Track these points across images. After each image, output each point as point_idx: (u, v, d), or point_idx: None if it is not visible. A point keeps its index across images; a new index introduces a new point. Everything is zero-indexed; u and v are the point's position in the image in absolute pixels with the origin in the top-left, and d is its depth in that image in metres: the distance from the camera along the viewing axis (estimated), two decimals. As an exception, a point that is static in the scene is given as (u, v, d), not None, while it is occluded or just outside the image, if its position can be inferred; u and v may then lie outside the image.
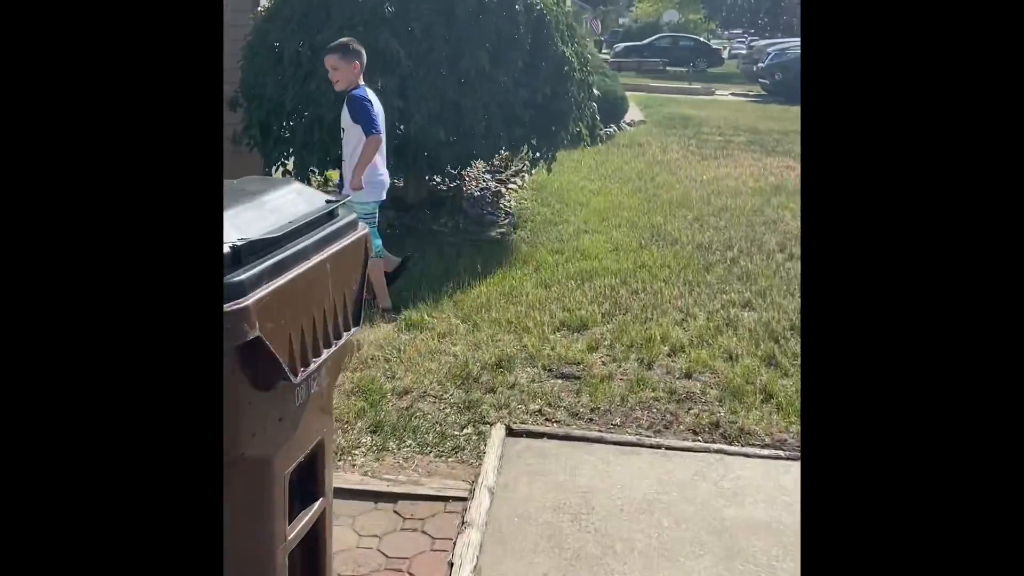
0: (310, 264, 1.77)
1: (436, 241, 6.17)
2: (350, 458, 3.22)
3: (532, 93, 6.02)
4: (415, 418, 3.51)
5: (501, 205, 7.27)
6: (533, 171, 8.00)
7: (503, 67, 5.84)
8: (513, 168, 8.59)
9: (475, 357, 4.10)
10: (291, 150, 6.08)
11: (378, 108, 4.56)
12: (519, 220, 6.91)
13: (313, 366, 1.80)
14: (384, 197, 4.68)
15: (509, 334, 4.47)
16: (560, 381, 3.96)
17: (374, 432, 3.39)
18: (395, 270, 4.97)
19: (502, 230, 6.56)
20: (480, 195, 7.55)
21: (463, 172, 7.19)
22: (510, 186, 7.99)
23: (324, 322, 1.85)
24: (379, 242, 4.70)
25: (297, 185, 1.99)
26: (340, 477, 3.07)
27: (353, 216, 2.06)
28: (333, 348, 1.89)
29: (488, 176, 8.33)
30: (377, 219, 4.66)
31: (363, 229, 2.07)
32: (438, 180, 7.11)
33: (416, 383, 3.81)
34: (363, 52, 4.53)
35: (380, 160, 4.61)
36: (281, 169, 6.26)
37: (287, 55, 5.86)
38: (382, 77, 5.57)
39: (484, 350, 4.20)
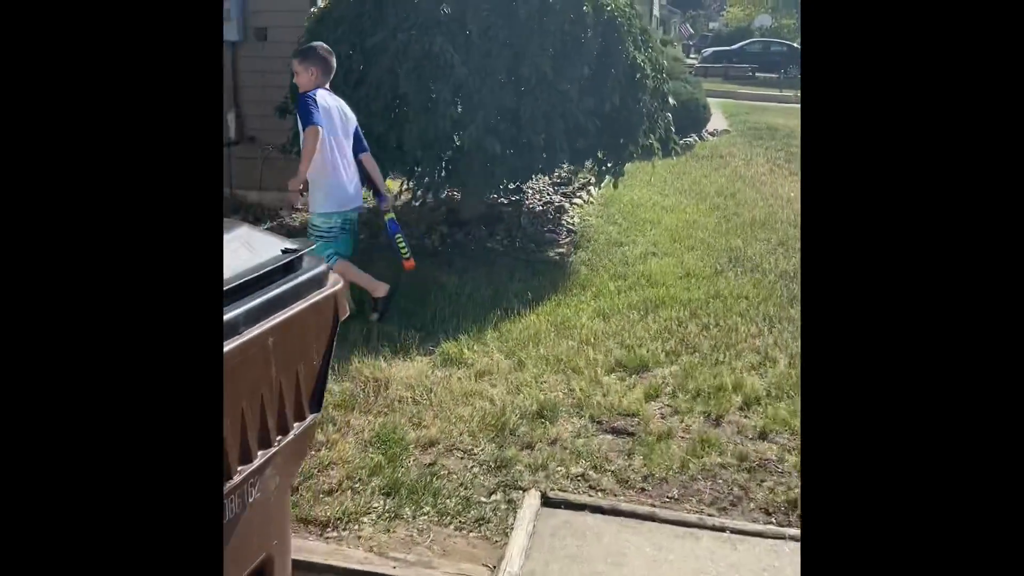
0: (239, 342, 1.32)
1: (488, 261, 5.71)
2: (357, 527, 2.77)
3: (599, 102, 5.50)
4: (438, 478, 3.04)
5: (563, 222, 6.76)
6: (600, 185, 7.45)
7: (567, 74, 5.34)
8: (579, 181, 8.06)
9: (514, 403, 3.61)
10: (340, 160, 5.71)
11: (328, 106, 4.20)
12: (581, 239, 6.39)
13: (238, 477, 1.35)
14: (347, 208, 4.32)
15: (557, 374, 3.96)
16: (610, 437, 3.43)
17: (388, 495, 2.94)
18: (385, 297, 4.50)
19: (561, 250, 6.05)
20: (542, 210, 7.07)
21: (524, 186, 6.71)
22: (575, 201, 7.47)
23: (262, 414, 1.39)
24: (331, 251, 4.32)
25: (244, 230, 1.54)
26: (341, 553, 2.64)
27: (321, 268, 1.60)
28: (276, 447, 1.44)
29: (552, 189, 7.83)
30: (338, 232, 4.31)
31: (333, 285, 1.61)
32: (500, 190, 6.62)
33: (444, 433, 3.34)
34: (328, 59, 4.31)
35: (346, 170, 4.30)
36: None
37: (339, 59, 5.51)
38: (435, 84, 5.16)
39: (526, 394, 3.71)
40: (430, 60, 5.08)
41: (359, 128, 4.50)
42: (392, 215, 4.63)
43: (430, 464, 3.14)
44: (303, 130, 4.07)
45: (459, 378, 3.85)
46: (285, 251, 1.52)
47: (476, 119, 5.14)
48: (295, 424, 1.48)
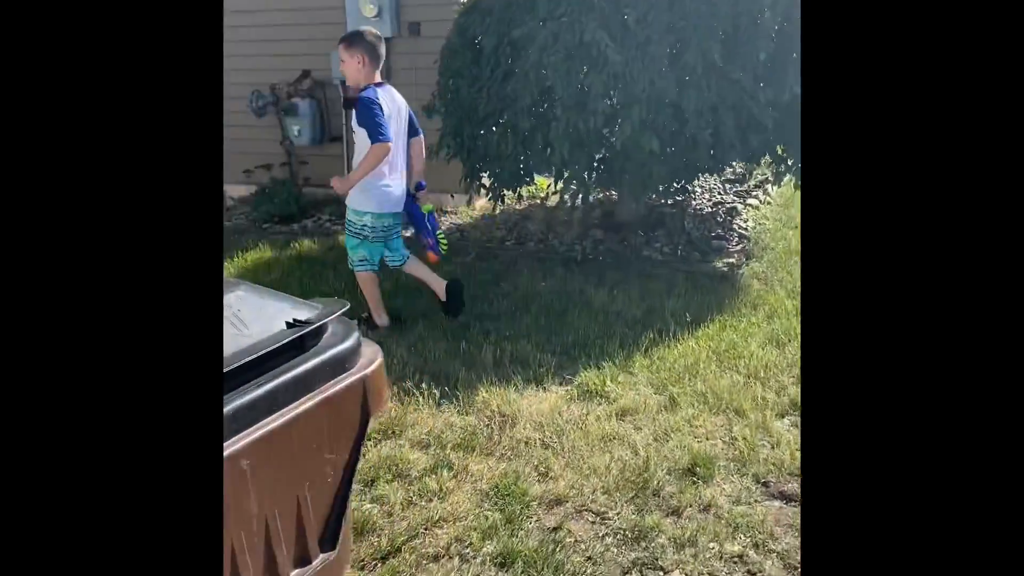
0: (190, 472, 0.89)
1: (644, 272, 5.12)
2: (460, 605, 2.35)
3: (778, 91, 4.76)
4: (561, 548, 2.55)
5: (735, 226, 6.02)
6: (780, 183, 6.61)
7: (740, 60, 4.65)
8: (755, 178, 7.24)
9: (661, 454, 3.04)
10: (487, 161, 5.34)
11: (391, 110, 3.90)
12: (755, 247, 5.63)
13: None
14: (393, 210, 4.04)
15: (716, 416, 3.35)
16: (777, 505, 2.79)
17: (502, 566, 2.48)
18: (448, 301, 4.23)
19: (730, 260, 5.34)
20: (711, 212, 6.35)
21: (689, 185, 6.03)
22: (750, 201, 6.67)
23: (232, 571, 0.96)
24: (377, 255, 4.10)
25: (241, 293, 1.12)
26: (436, 639, 2.22)
27: (348, 343, 1.15)
28: (260, 612, 1.00)
29: (723, 188, 7.07)
30: (379, 234, 4.03)
31: (364, 367, 1.16)
32: (660, 191, 5.97)
33: (574, 489, 2.84)
34: (375, 45, 3.88)
35: (393, 174, 3.98)
36: (476, 184, 5.56)
37: (486, 52, 5.14)
38: (587, 76, 4.65)
39: (676, 441, 3.13)
40: (581, 50, 4.57)
41: (412, 113, 4.19)
42: (431, 207, 4.35)
43: (554, 529, 2.65)
44: (370, 140, 3.79)
45: (597, 417, 3.33)
46: (293, 324, 1.08)
47: (632, 114, 4.58)
48: (295, 573, 1.04)
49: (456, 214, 6.57)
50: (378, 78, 3.95)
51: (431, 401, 3.43)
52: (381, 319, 4.20)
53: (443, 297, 4.23)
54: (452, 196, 6.55)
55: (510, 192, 5.49)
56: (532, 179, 5.31)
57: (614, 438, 3.17)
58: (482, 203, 6.42)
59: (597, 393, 3.53)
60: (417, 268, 4.28)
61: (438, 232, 4.27)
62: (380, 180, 3.93)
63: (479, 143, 5.20)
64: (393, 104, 3.96)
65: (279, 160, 6.86)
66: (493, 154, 5.10)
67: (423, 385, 3.52)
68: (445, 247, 4.33)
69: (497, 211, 6.33)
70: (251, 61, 6.85)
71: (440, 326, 4.23)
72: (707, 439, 3.18)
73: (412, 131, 4.16)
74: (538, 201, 6.67)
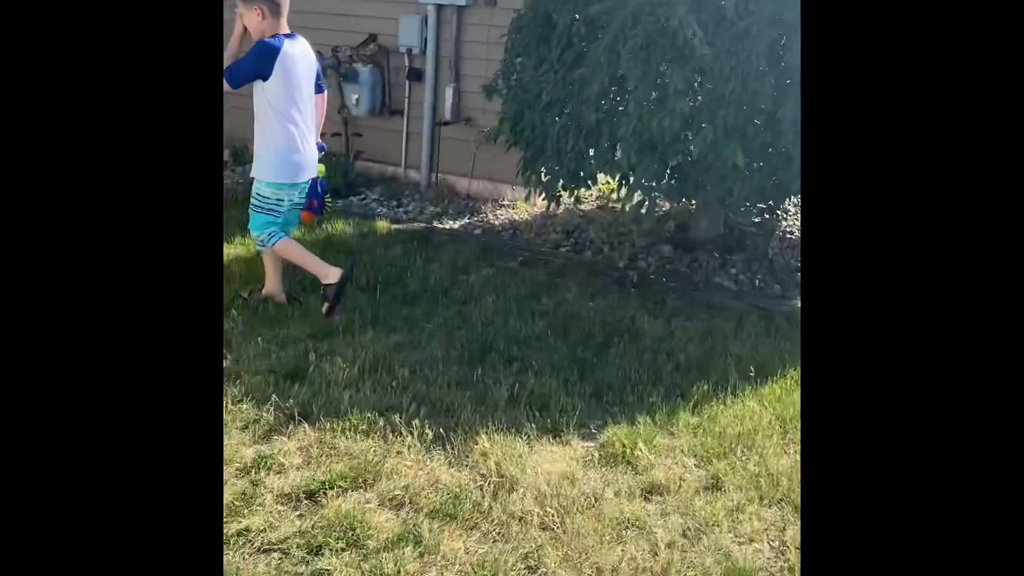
0: None
1: (711, 302, 4.40)
2: None
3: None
4: None
5: (827, 256, 5.20)
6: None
7: (856, 64, 3.86)
8: (860, 202, 6.34)
9: (687, 558, 2.39)
10: (546, 155, 4.70)
11: (302, 64, 3.66)
12: (847, 285, 4.81)
13: None
14: (296, 181, 3.79)
15: (768, 508, 2.67)
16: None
17: None
18: (338, 284, 3.74)
19: (816, 299, 4.56)
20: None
21: (779, 208, 5.23)
22: (849, 228, 5.82)
23: None
24: (273, 229, 3.78)
25: None
26: None
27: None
28: None
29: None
30: (287, 206, 3.81)
31: None
32: (742, 212, 5.21)
33: (566, 594, 2.23)
34: None
35: (303, 138, 3.72)
36: (534, 178, 4.93)
37: (558, 30, 4.50)
38: (670, 68, 3.96)
39: (710, 541, 2.47)
40: (665, 37, 3.88)
41: (320, 71, 3.96)
42: (323, 170, 4.22)
43: (528, 651, 2.05)
44: (231, 77, 3.53)
45: (618, 491, 2.70)
46: None
47: (716, 118, 3.86)
48: None
49: (513, 208, 5.97)
50: (285, 28, 3.66)
51: (420, 443, 2.86)
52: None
53: (332, 280, 3.74)
54: (513, 188, 5.96)
55: (566, 193, 4.84)
56: (594, 180, 4.65)
57: (632, 525, 2.53)
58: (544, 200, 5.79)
59: (624, 458, 2.89)
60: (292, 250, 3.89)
61: (326, 196, 4.35)
62: (293, 152, 3.68)
63: (538, 133, 4.57)
64: (306, 58, 3.72)
65: (332, 130, 6.39)
66: (552, 148, 4.46)
67: (415, 421, 2.96)
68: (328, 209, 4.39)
69: (560, 209, 5.70)
70: (314, 19, 6.35)
71: (457, 346, 3.65)
72: (751, 541, 2.51)
73: (317, 88, 3.91)
74: (606, 203, 6.00)
